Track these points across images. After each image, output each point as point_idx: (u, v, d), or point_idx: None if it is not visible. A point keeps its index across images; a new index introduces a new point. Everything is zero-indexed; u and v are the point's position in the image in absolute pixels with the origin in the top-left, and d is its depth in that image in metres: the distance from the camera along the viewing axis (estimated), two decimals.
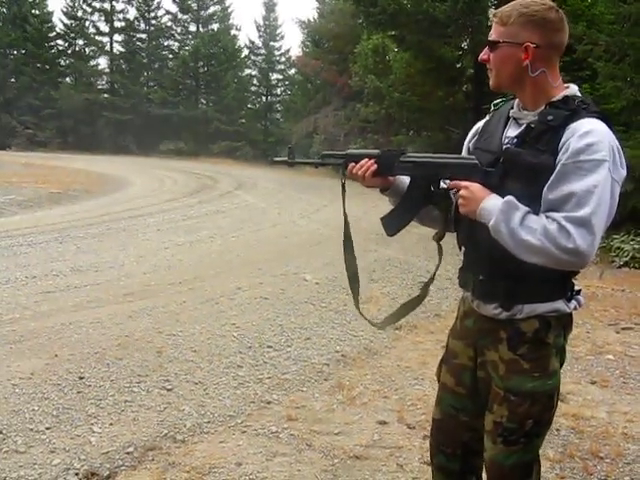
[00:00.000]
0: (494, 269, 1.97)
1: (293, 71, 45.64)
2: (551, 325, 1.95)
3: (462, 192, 1.92)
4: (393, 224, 2.12)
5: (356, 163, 2.07)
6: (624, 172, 1.85)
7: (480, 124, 2.18)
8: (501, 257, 1.86)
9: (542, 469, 3.27)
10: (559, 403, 4.07)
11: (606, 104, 10.24)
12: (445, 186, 2.04)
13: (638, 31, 9.81)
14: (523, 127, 1.95)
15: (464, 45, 19.36)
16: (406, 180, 2.11)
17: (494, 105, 2.15)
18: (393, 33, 18.61)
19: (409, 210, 2.10)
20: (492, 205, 1.84)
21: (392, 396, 4.29)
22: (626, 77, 10.09)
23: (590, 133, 1.77)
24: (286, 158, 2.19)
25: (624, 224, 9.73)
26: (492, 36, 1.95)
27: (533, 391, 1.94)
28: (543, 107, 1.91)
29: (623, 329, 5.96)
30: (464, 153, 2.17)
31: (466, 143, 2.20)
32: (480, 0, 16.21)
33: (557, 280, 1.92)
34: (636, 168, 8.78)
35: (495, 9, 1.99)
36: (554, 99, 1.90)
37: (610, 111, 10.22)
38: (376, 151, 2.09)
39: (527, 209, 1.80)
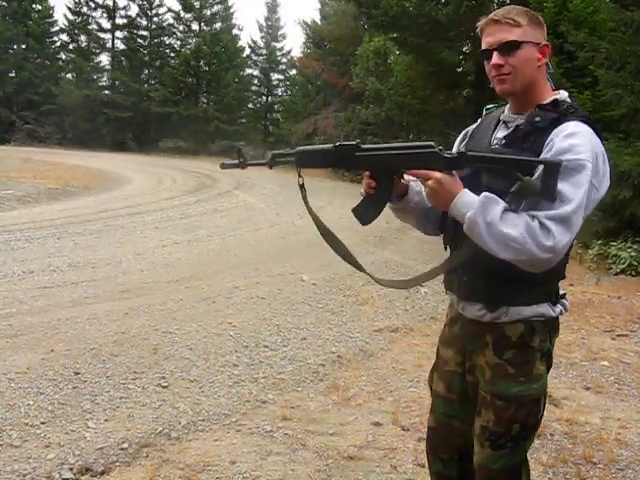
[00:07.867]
0: (477, 269, 1.93)
1: (294, 72, 45.67)
2: (536, 329, 1.94)
3: (430, 183, 1.85)
4: (365, 216, 2.04)
5: (307, 160, 2.00)
6: (606, 182, 1.85)
7: (470, 128, 2.19)
8: (485, 257, 1.82)
9: (535, 473, 3.30)
10: (553, 408, 4.06)
11: (606, 112, 10.27)
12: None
13: (639, 39, 9.83)
14: (512, 129, 1.96)
15: (465, 49, 19.37)
16: (415, 188, 2.09)
17: (486, 110, 2.16)
18: (395, 36, 18.57)
19: (378, 200, 2.01)
20: (470, 198, 1.81)
21: (387, 398, 4.30)
22: (626, 85, 10.09)
23: (575, 135, 1.78)
24: (237, 161, 2.06)
25: (622, 231, 9.70)
26: (510, 37, 1.87)
27: (518, 395, 1.94)
28: (532, 109, 1.91)
29: (618, 336, 5.97)
30: None
31: (456, 145, 2.20)
32: (483, 5, 16.20)
33: (541, 283, 1.92)
34: (634, 176, 8.80)
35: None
36: (543, 102, 1.91)
37: (610, 119, 10.25)
38: (329, 146, 1.97)
39: (506, 205, 1.77)
